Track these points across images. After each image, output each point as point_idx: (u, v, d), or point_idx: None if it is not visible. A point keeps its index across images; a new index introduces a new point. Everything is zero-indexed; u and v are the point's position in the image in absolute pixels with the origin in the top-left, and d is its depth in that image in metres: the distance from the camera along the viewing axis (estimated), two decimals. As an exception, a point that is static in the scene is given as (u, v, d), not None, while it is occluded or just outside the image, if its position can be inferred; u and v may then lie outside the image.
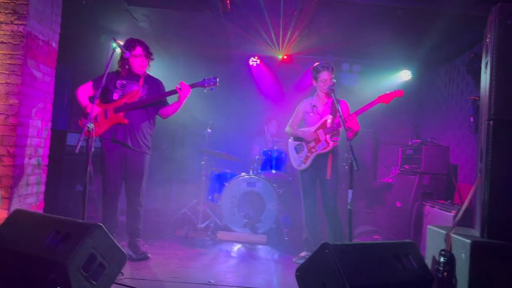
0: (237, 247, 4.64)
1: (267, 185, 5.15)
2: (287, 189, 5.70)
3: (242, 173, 5.32)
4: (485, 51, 2.85)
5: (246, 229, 5.01)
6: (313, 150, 4.11)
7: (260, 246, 4.74)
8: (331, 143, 4.04)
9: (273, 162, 5.35)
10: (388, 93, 3.88)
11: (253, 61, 6.72)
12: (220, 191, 5.32)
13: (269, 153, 5.39)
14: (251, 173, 5.33)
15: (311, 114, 4.23)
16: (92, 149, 3.07)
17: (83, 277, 2.43)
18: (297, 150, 4.25)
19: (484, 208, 2.52)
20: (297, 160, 4.22)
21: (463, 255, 2.45)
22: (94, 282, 2.49)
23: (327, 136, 4.05)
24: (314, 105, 4.23)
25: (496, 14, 2.60)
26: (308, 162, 4.11)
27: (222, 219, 5.12)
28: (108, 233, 2.63)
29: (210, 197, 5.59)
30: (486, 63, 2.75)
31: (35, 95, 3.71)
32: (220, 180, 5.56)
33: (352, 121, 3.87)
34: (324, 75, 4.08)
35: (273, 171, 5.33)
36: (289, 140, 4.40)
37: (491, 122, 2.52)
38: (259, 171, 5.39)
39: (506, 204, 2.39)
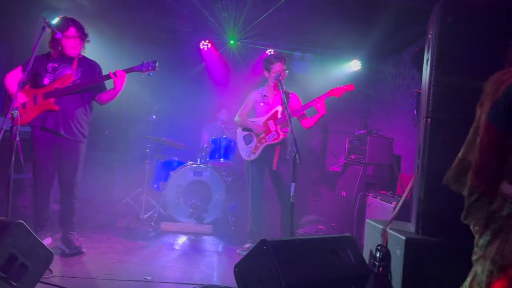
0: (181, 238, 4.51)
1: (215, 174, 5.04)
2: (235, 178, 5.61)
3: (189, 162, 5.16)
4: (427, 47, 2.85)
5: (191, 219, 4.88)
6: (263, 140, 4.06)
7: (205, 237, 4.65)
8: (281, 134, 4.02)
9: (222, 151, 5.22)
10: (340, 87, 3.91)
11: (204, 44, 6.47)
12: (166, 180, 5.15)
13: (218, 141, 5.26)
14: (198, 161, 5.19)
15: (262, 104, 4.18)
16: (18, 138, 2.85)
17: (2, 279, 2.26)
18: (246, 140, 4.17)
19: (419, 204, 2.55)
20: (247, 151, 4.13)
21: (398, 251, 2.47)
22: (15, 284, 2.33)
23: (278, 127, 4.02)
24: (265, 95, 4.18)
25: (438, 11, 2.58)
26: (258, 152, 4.06)
27: (167, 209, 4.96)
28: (31, 231, 2.44)
29: (155, 186, 5.41)
30: (427, 60, 2.75)
31: (-46, 76, 3.36)
32: (166, 168, 5.39)
33: (319, 105, 3.85)
34: (277, 66, 4.03)
35: (222, 160, 5.21)
36: (238, 130, 4.29)
37: (429, 119, 2.53)
38: (207, 159, 5.26)
39: (440, 202, 2.41)
